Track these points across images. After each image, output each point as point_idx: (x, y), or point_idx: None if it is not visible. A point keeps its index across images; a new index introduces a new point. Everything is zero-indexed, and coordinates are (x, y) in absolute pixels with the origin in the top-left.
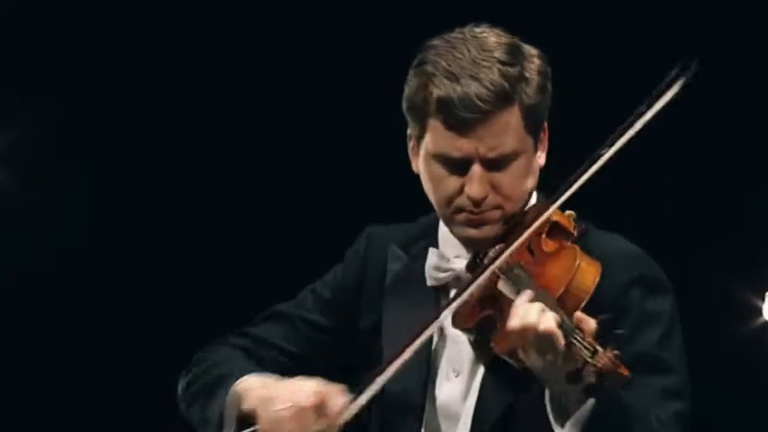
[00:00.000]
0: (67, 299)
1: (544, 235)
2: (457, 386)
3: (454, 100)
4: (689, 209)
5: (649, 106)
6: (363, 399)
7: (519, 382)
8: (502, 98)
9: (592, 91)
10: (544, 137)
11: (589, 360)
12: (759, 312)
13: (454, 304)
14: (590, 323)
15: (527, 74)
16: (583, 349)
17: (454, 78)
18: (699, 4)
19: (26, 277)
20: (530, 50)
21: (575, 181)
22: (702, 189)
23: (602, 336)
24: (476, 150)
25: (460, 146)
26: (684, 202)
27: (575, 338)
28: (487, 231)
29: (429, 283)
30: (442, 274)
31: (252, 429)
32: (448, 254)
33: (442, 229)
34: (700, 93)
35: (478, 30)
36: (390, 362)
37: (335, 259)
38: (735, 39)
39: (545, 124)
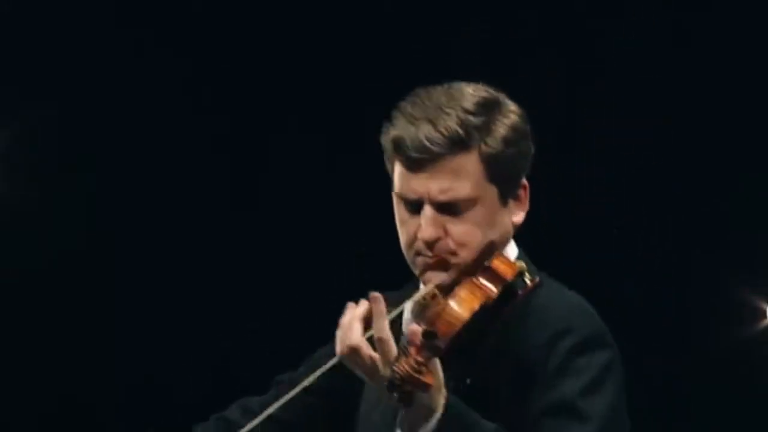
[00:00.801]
0: (67, 299)
1: (473, 278)
2: None
3: (405, 141)
4: (693, 212)
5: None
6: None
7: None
8: (455, 142)
9: None
10: (524, 195)
11: (396, 366)
12: (763, 314)
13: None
14: (417, 334)
15: (492, 126)
16: (401, 355)
17: (413, 120)
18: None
19: (26, 277)
20: (510, 107)
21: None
22: (705, 191)
23: (425, 346)
24: (427, 191)
25: (413, 187)
26: (687, 205)
27: (401, 347)
28: (443, 276)
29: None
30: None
31: None
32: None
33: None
34: (703, 93)
35: (464, 84)
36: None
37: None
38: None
39: (524, 182)
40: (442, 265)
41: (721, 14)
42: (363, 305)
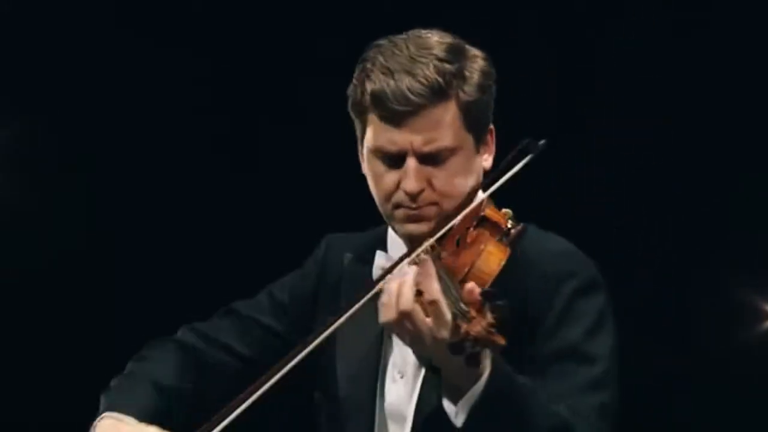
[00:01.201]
0: (66, 300)
1: (471, 228)
2: (402, 388)
3: (387, 94)
4: (695, 213)
5: (494, 180)
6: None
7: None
8: (436, 92)
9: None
10: (491, 140)
11: (464, 327)
12: (766, 316)
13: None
14: (475, 293)
15: (466, 72)
16: (459, 315)
17: (389, 73)
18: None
19: (26, 277)
20: (474, 51)
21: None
22: (707, 192)
23: (485, 305)
24: (410, 144)
25: (394, 139)
26: (690, 206)
27: (458, 309)
28: (425, 227)
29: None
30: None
31: None
32: (395, 256)
33: (390, 233)
34: (703, 93)
35: (423, 31)
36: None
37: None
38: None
39: (491, 127)
40: (424, 216)
41: (721, 14)
42: (409, 269)
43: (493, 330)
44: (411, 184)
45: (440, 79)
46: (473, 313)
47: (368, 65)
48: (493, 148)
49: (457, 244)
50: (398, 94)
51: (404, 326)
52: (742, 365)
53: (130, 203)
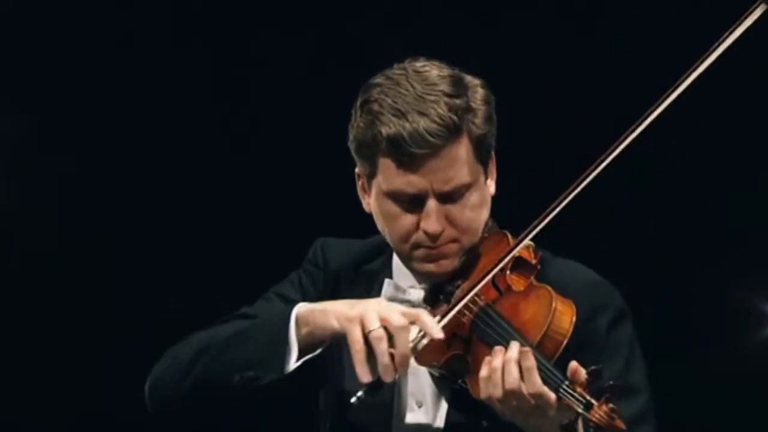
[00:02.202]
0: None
1: (508, 272)
2: (422, 416)
3: (404, 137)
4: (701, 218)
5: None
6: (453, 311)
7: (484, 407)
8: (452, 131)
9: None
10: (493, 166)
11: (582, 413)
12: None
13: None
14: (581, 374)
15: (473, 105)
16: (574, 402)
17: (401, 115)
18: None
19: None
20: (473, 80)
21: (547, 215)
22: (713, 197)
23: (593, 386)
24: (430, 185)
25: (413, 183)
26: (696, 211)
27: (565, 391)
28: (446, 265)
29: None
30: (401, 306)
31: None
32: (403, 285)
33: (396, 260)
34: (703, 93)
35: (418, 65)
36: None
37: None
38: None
39: (493, 153)
40: (445, 253)
41: (722, 13)
42: (513, 345)
43: (615, 416)
44: (433, 226)
45: (454, 117)
46: (592, 400)
47: (374, 107)
48: (494, 172)
49: (499, 292)
50: (416, 137)
51: (509, 403)
52: (751, 372)
53: (124, 200)
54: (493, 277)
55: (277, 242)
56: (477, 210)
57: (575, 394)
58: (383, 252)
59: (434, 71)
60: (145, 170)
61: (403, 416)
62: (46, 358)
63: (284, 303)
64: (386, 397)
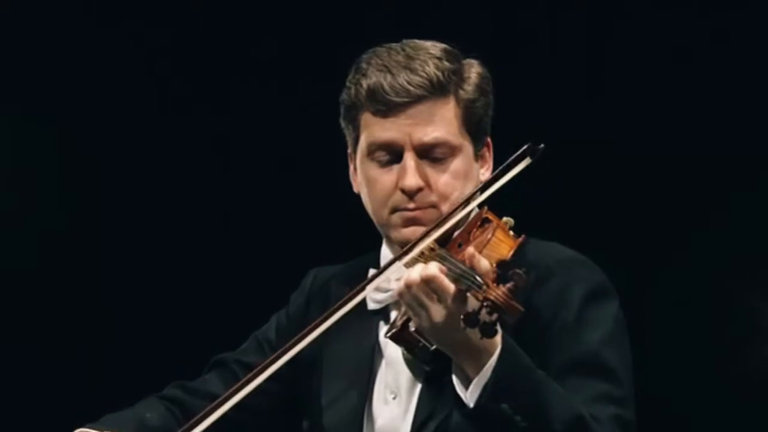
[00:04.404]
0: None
1: (475, 230)
2: (395, 408)
3: (383, 86)
4: (695, 213)
5: (492, 182)
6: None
7: (454, 395)
8: (435, 87)
9: None
10: (488, 154)
11: (479, 295)
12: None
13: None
14: (483, 262)
15: (465, 73)
16: (472, 285)
17: (386, 69)
18: None
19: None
20: (470, 59)
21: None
22: (713, 197)
23: (500, 275)
24: (408, 135)
25: (390, 130)
26: (688, 205)
27: (464, 277)
28: (422, 231)
29: (369, 306)
30: (382, 295)
31: None
32: (389, 276)
33: (384, 251)
34: (704, 93)
35: (417, 40)
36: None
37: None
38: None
39: (488, 139)
40: (422, 219)
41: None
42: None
43: (511, 295)
44: (410, 180)
45: (440, 74)
46: (489, 282)
47: (363, 65)
48: (491, 162)
49: (459, 246)
50: (396, 86)
51: (423, 293)
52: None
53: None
54: (460, 239)
55: (272, 244)
56: (458, 179)
57: (473, 278)
58: (371, 260)
59: (429, 43)
60: (135, 178)
61: (375, 408)
62: (39, 357)
63: (256, 343)
64: (360, 391)
